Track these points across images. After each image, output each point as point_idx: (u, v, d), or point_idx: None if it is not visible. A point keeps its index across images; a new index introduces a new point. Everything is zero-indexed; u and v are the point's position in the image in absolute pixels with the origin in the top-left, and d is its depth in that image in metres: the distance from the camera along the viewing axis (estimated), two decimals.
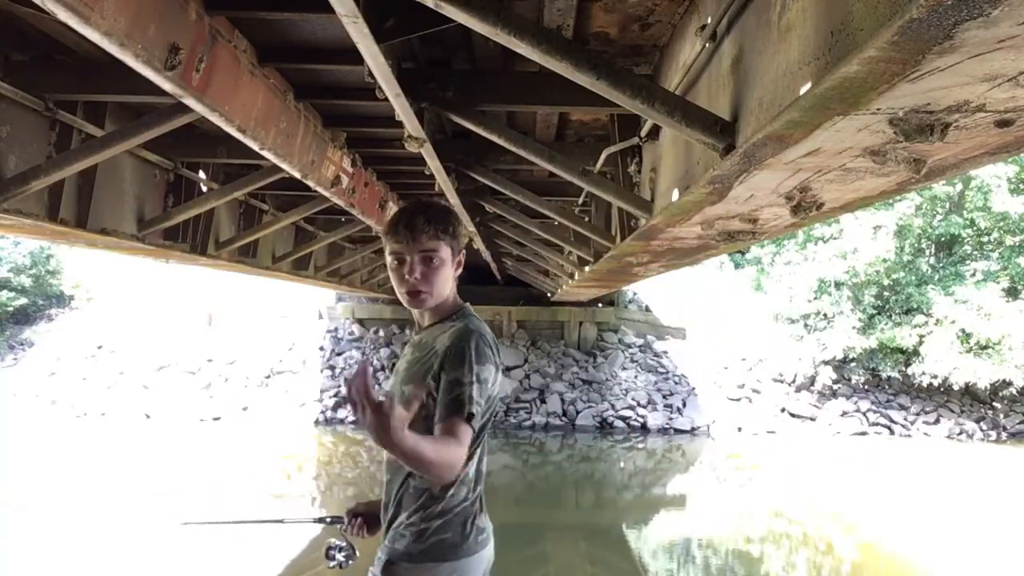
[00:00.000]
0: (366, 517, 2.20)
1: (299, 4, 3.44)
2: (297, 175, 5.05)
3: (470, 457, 1.92)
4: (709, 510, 12.07)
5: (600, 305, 19.70)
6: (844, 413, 17.96)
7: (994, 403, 17.99)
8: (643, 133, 4.51)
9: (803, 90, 1.95)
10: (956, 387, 17.37)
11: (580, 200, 7.82)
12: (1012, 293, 17.41)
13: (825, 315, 18.29)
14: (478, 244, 9.64)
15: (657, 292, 20.94)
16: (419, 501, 1.96)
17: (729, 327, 20.20)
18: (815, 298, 18.40)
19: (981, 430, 17.62)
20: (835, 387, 18.23)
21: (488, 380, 1.89)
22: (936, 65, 1.62)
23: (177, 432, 16.02)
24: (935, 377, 17.21)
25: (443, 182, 5.66)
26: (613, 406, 17.89)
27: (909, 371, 17.70)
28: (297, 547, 8.67)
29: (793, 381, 18.60)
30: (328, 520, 2.32)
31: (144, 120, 4.47)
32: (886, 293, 18.22)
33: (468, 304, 2.10)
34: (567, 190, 7.85)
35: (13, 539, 8.56)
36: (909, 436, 17.53)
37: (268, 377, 18.77)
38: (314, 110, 5.09)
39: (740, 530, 10.66)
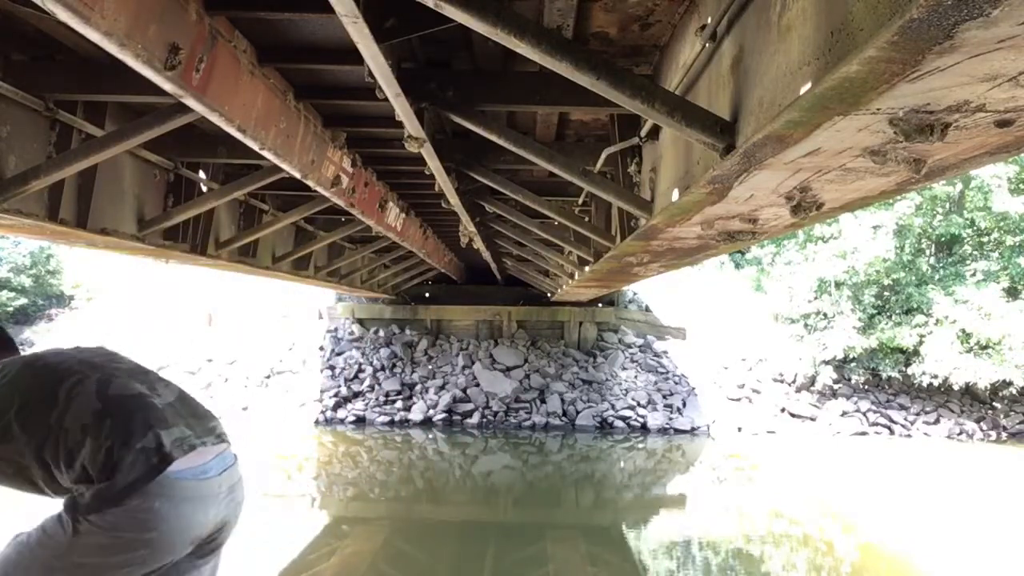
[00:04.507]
0: None
1: (299, 4, 3.44)
2: (297, 175, 5.05)
3: None
4: (709, 510, 12.06)
5: (600, 305, 19.69)
6: (844, 413, 17.96)
7: (994, 403, 17.99)
8: (643, 133, 4.51)
9: (803, 90, 1.95)
10: (956, 387, 17.38)
11: (580, 200, 7.82)
12: (1012, 293, 17.41)
13: (825, 315, 18.29)
14: (478, 244, 9.62)
15: (657, 292, 20.94)
16: None
17: (729, 327, 20.19)
18: (815, 298, 18.40)
19: (981, 430, 17.62)
20: (835, 387, 18.23)
21: None
22: (936, 65, 1.62)
23: None
24: (935, 377, 17.21)
25: (443, 182, 5.66)
26: (613, 406, 17.88)
27: (909, 371, 17.70)
28: (297, 549, 8.68)
29: (793, 381, 18.60)
30: None
31: (144, 120, 4.45)
32: (886, 293, 18.22)
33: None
34: (567, 190, 7.85)
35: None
36: (909, 436, 17.53)
37: (268, 377, 18.77)
38: (314, 110, 5.08)
39: (740, 530, 10.66)
